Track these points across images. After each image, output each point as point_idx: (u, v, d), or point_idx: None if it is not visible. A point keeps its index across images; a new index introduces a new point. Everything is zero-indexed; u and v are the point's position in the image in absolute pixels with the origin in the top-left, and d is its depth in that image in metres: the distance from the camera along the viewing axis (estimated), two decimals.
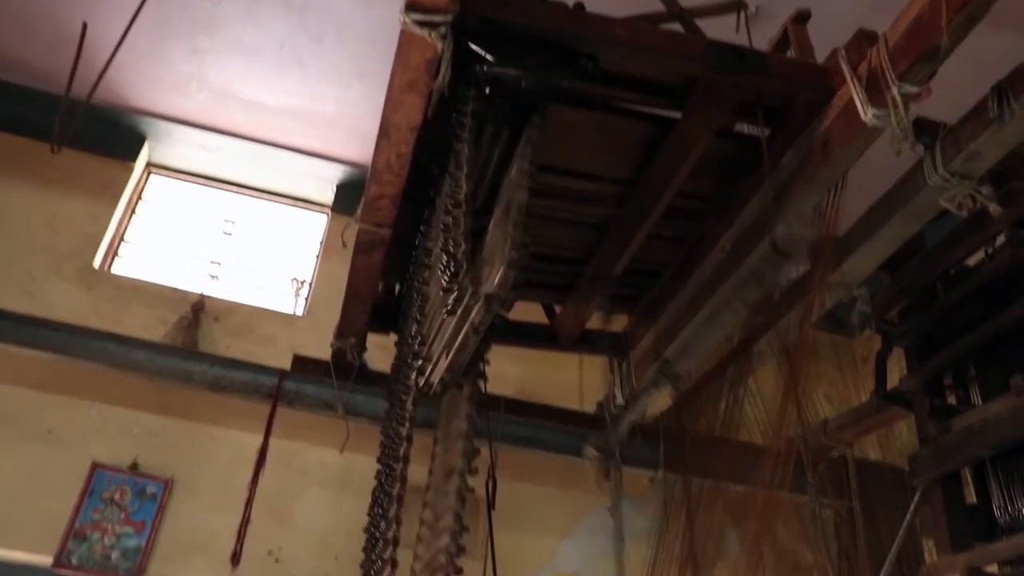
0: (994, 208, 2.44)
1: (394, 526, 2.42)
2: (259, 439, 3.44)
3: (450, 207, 2.17)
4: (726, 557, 4.05)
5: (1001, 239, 2.79)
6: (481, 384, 2.55)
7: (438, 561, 2.16)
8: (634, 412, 3.29)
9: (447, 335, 2.20)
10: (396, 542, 2.45)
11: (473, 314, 2.00)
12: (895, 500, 3.77)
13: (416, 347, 2.54)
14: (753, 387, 3.77)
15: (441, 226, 2.22)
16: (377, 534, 2.59)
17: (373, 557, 2.59)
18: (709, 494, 3.92)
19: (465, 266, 2.02)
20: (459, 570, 2.13)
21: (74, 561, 3.53)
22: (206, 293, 4.31)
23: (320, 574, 3.66)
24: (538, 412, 3.69)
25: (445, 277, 2.04)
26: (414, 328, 2.60)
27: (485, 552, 3.14)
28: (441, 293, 2.16)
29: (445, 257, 2.08)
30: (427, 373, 2.42)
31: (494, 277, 1.95)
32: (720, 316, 2.67)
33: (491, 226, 2.32)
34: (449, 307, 2.06)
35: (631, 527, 4.00)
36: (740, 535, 4.05)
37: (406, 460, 2.52)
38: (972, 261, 2.96)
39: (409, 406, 2.54)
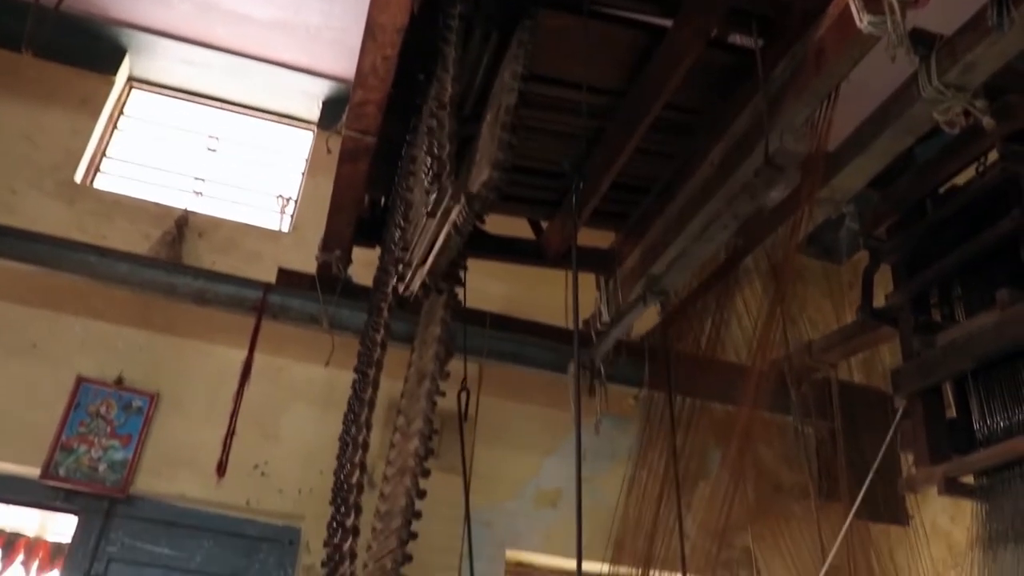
0: (987, 122, 2.40)
1: (364, 431, 2.43)
2: (244, 354, 3.43)
3: (435, 109, 2.14)
4: (708, 476, 4.11)
5: (992, 157, 2.78)
6: (460, 292, 2.53)
7: (408, 464, 2.17)
8: (619, 329, 3.28)
9: (428, 238, 2.18)
10: (366, 446, 2.47)
11: (455, 214, 1.98)
12: (877, 422, 3.81)
13: (398, 253, 2.52)
14: (740, 306, 3.78)
15: (426, 129, 2.19)
16: (348, 439, 2.61)
17: (344, 461, 2.62)
18: (693, 413, 3.95)
19: (448, 167, 1.99)
20: (427, 472, 2.15)
21: (61, 473, 3.54)
22: (190, 209, 4.26)
23: (306, 488, 3.69)
24: (523, 328, 3.68)
25: (428, 179, 2.01)
26: (396, 235, 2.58)
27: (463, 466, 3.18)
28: (424, 195, 2.13)
29: (429, 159, 2.05)
30: (407, 279, 2.41)
31: (480, 177, 1.92)
32: (709, 231, 2.65)
33: (481, 131, 2.28)
34: (430, 208, 2.04)
35: (615, 446, 4.05)
36: (723, 454, 4.10)
37: (379, 366, 2.53)
38: (961, 181, 2.95)
39: (385, 313, 2.54)
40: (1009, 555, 2.33)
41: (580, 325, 3.66)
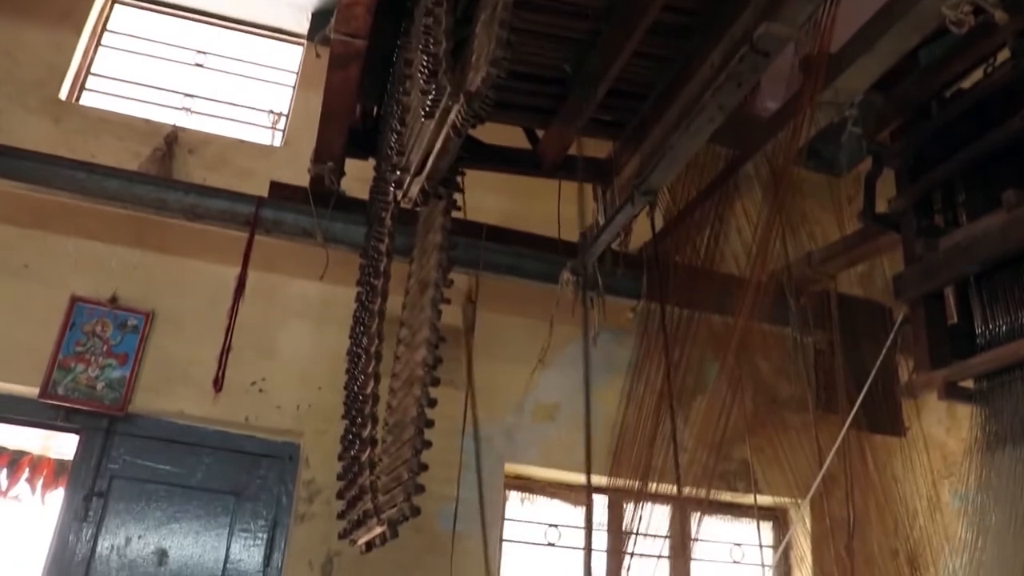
0: (1000, 16, 2.33)
1: (376, 341, 2.41)
2: (238, 271, 3.39)
3: (431, 5, 2.06)
4: (706, 389, 4.11)
5: (1001, 57, 2.70)
6: (458, 198, 2.49)
7: (415, 374, 2.15)
8: (610, 232, 3.21)
9: (426, 141, 2.12)
10: (379, 356, 2.45)
11: (453, 114, 1.91)
12: (876, 334, 3.80)
13: (395, 159, 2.46)
14: (739, 217, 3.73)
15: (422, 28, 2.11)
16: (359, 350, 2.59)
17: (356, 373, 2.60)
18: (690, 325, 3.94)
19: (445, 65, 1.92)
20: (436, 380, 2.13)
21: (60, 392, 3.53)
22: (180, 125, 4.17)
23: (304, 404, 3.69)
24: (520, 240, 3.64)
25: (424, 78, 1.95)
26: (392, 139, 2.52)
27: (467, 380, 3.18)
28: (420, 96, 2.06)
29: (425, 58, 1.98)
30: (405, 185, 2.35)
31: (477, 76, 1.85)
32: (695, 124, 2.56)
33: (476, 31, 2.20)
34: (427, 109, 1.97)
35: (613, 359, 4.04)
36: (720, 367, 4.10)
37: (387, 276, 2.49)
38: (967, 85, 2.88)
39: (388, 221, 2.49)
40: (1007, 456, 2.33)
41: (577, 236, 3.63)
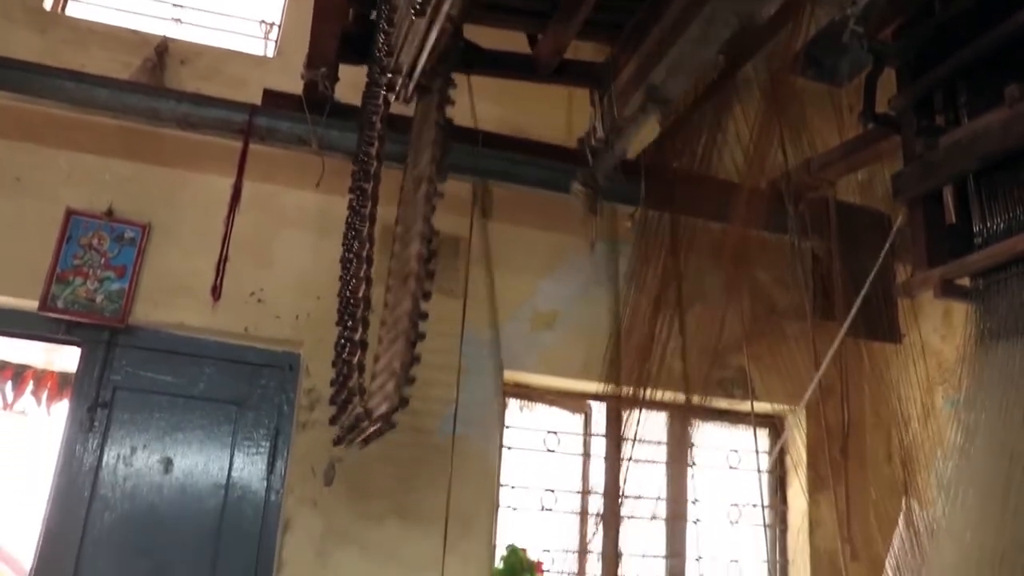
0: None
1: (368, 244, 2.40)
2: (233, 181, 3.38)
3: None
4: (705, 298, 4.13)
5: None
6: (452, 104, 2.46)
7: (410, 267, 2.15)
8: (622, 142, 3.18)
9: (419, 36, 2.08)
10: (370, 260, 2.45)
11: (447, 6, 1.87)
12: (875, 242, 3.79)
13: (384, 61, 2.42)
14: (739, 122, 3.70)
15: None
16: (351, 255, 2.59)
17: (348, 278, 2.60)
18: (690, 233, 3.93)
19: None
20: (431, 273, 2.13)
21: (60, 305, 3.54)
22: (170, 36, 4.10)
23: (303, 313, 3.71)
24: (517, 146, 3.61)
25: None
26: (382, 40, 2.47)
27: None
28: None
29: None
30: (397, 88, 2.32)
31: None
32: (710, 31, 2.51)
33: None
34: (418, 7, 1.93)
35: (612, 267, 4.05)
36: (719, 275, 4.11)
37: (376, 179, 2.47)
38: None
39: (378, 124, 2.46)
40: (999, 353, 2.34)
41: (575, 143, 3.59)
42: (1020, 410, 2.19)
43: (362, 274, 2.54)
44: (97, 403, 3.53)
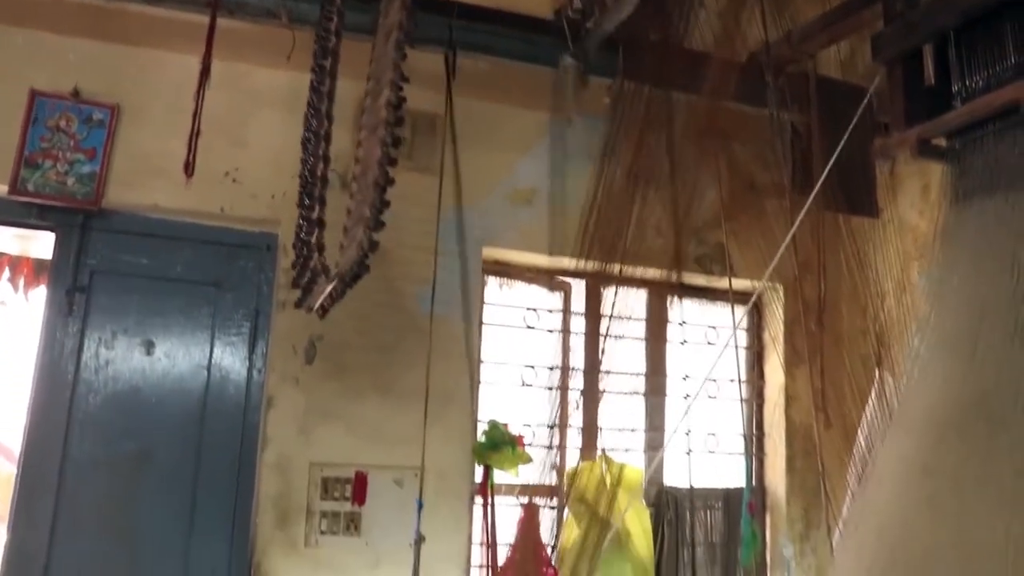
0: None
1: (326, 122, 2.37)
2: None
3: None
4: (682, 173, 4.11)
5: None
6: None
7: (380, 116, 2.11)
8: (604, 16, 3.10)
9: None
10: (328, 138, 2.42)
11: None
12: (854, 116, 3.77)
13: None
14: None
15: None
16: (309, 134, 2.56)
17: (307, 157, 2.57)
18: (667, 107, 3.89)
19: None
20: (400, 120, 2.10)
21: (30, 188, 3.48)
22: None
23: (279, 192, 3.67)
24: (493, 18, 3.51)
25: None
26: None
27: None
28: None
29: None
30: None
31: None
32: None
33: None
34: None
35: (589, 146, 4.02)
36: (697, 150, 4.09)
37: (335, 56, 2.41)
38: None
39: None
40: (975, 207, 2.36)
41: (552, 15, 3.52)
42: (992, 264, 2.21)
43: (321, 152, 2.51)
44: (75, 287, 3.50)
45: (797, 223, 3.03)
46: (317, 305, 2.53)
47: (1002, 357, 2.11)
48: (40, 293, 3.72)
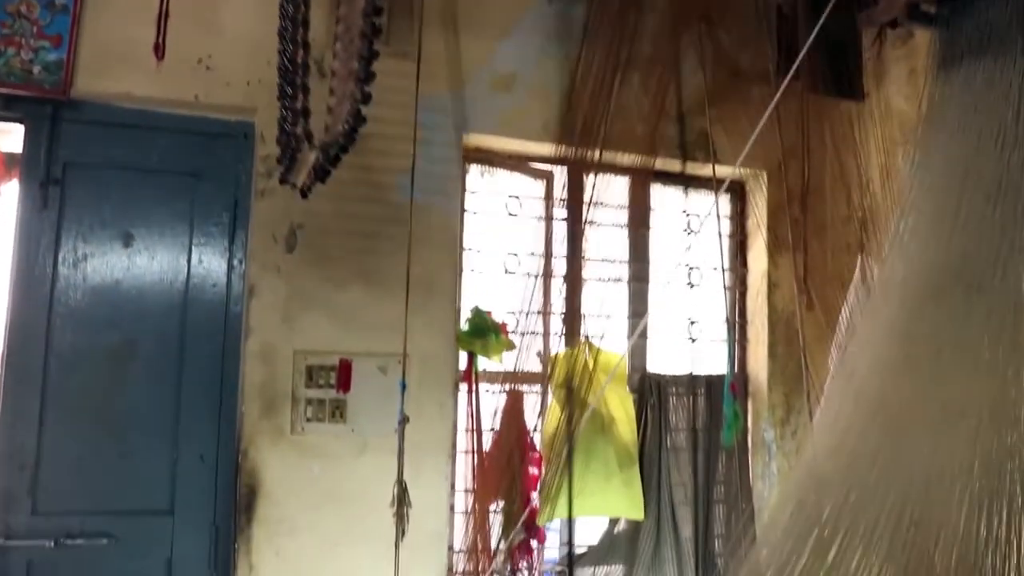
0: None
1: (303, 7, 2.29)
2: None
3: None
4: (665, 58, 4.04)
5: None
6: None
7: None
8: None
9: None
10: (307, 24, 2.35)
11: None
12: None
13: None
14: None
15: None
16: (286, 22, 2.48)
17: (285, 46, 2.50)
18: None
19: None
20: (379, 10, 2.03)
21: None
22: None
23: (254, 79, 3.57)
24: None
25: None
26: None
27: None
28: None
29: None
30: None
31: None
32: None
33: None
34: None
35: (571, 26, 3.94)
36: (680, 35, 4.02)
37: None
38: None
39: None
40: (963, 71, 2.32)
41: None
42: (978, 128, 2.19)
43: (299, 38, 2.44)
44: (48, 180, 3.43)
45: (776, 98, 2.97)
46: (301, 182, 2.49)
47: (983, 222, 2.11)
48: (13, 187, 3.64)
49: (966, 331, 2.14)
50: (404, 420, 2.99)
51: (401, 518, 2.88)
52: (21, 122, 3.47)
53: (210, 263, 3.55)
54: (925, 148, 2.47)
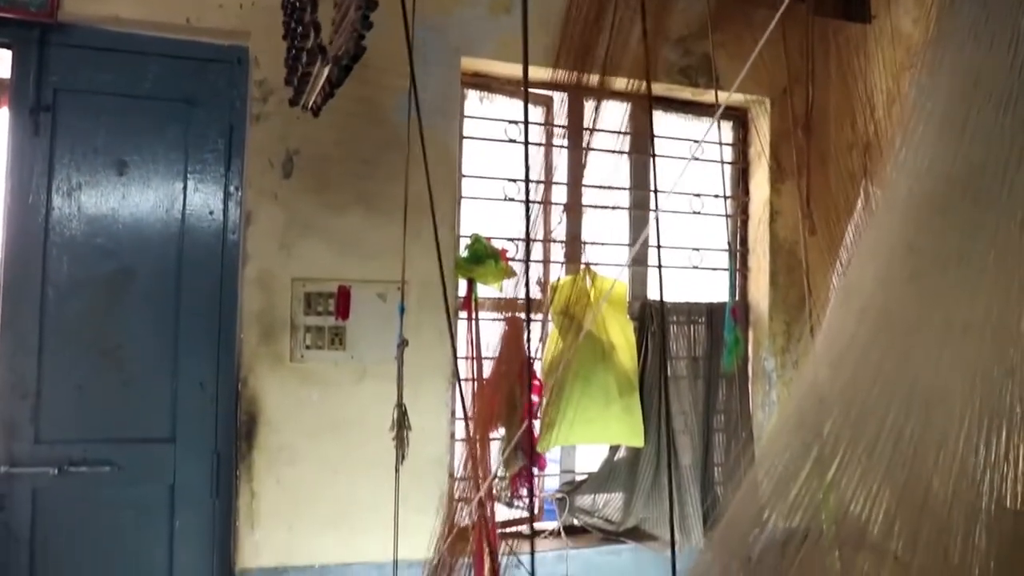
0: None
1: None
2: None
3: None
4: None
5: None
6: None
7: None
8: None
9: None
10: None
11: None
12: None
13: None
14: None
15: None
16: None
17: None
18: None
19: None
20: None
21: None
22: None
23: (247, 1, 3.47)
24: None
25: None
26: None
27: None
28: None
29: None
30: None
31: None
32: None
33: None
34: None
35: None
36: None
37: None
38: None
39: None
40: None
41: None
42: (990, 34, 2.12)
43: None
44: (38, 107, 3.37)
45: (778, 16, 2.89)
46: (312, 101, 2.44)
47: (992, 131, 2.05)
48: (3, 114, 3.58)
49: (972, 245, 2.10)
50: (403, 343, 2.97)
51: (401, 441, 2.88)
52: (9, 47, 3.40)
53: (206, 190, 3.51)
54: (933, 58, 2.40)
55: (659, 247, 3.39)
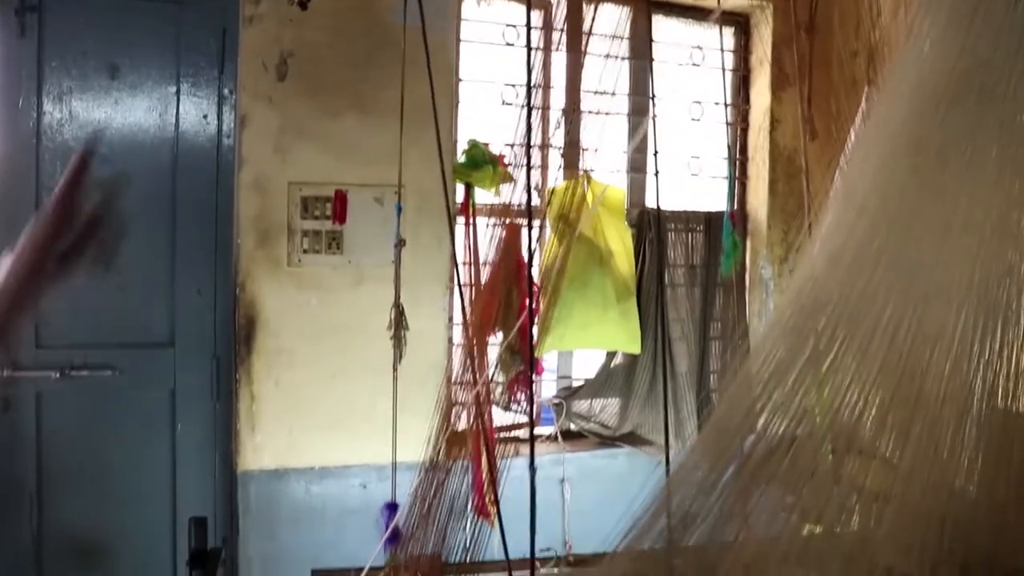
0: None
1: None
2: None
3: None
4: None
5: None
6: None
7: None
8: None
9: None
10: None
11: None
12: None
13: None
14: None
15: None
16: None
17: None
18: None
19: None
20: None
21: None
22: None
23: None
24: None
25: None
26: None
27: None
28: None
29: None
30: None
31: None
32: None
33: None
34: None
35: None
36: None
37: None
38: None
39: None
40: None
41: None
42: None
43: None
44: (24, 7, 3.28)
45: None
46: None
47: (1001, 24, 2.00)
48: None
49: (976, 141, 2.07)
50: (400, 242, 2.97)
51: (399, 341, 2.89)
52: None
53: (200, 94, 3.46)
54: None
55: (656, 154, 3.38)
